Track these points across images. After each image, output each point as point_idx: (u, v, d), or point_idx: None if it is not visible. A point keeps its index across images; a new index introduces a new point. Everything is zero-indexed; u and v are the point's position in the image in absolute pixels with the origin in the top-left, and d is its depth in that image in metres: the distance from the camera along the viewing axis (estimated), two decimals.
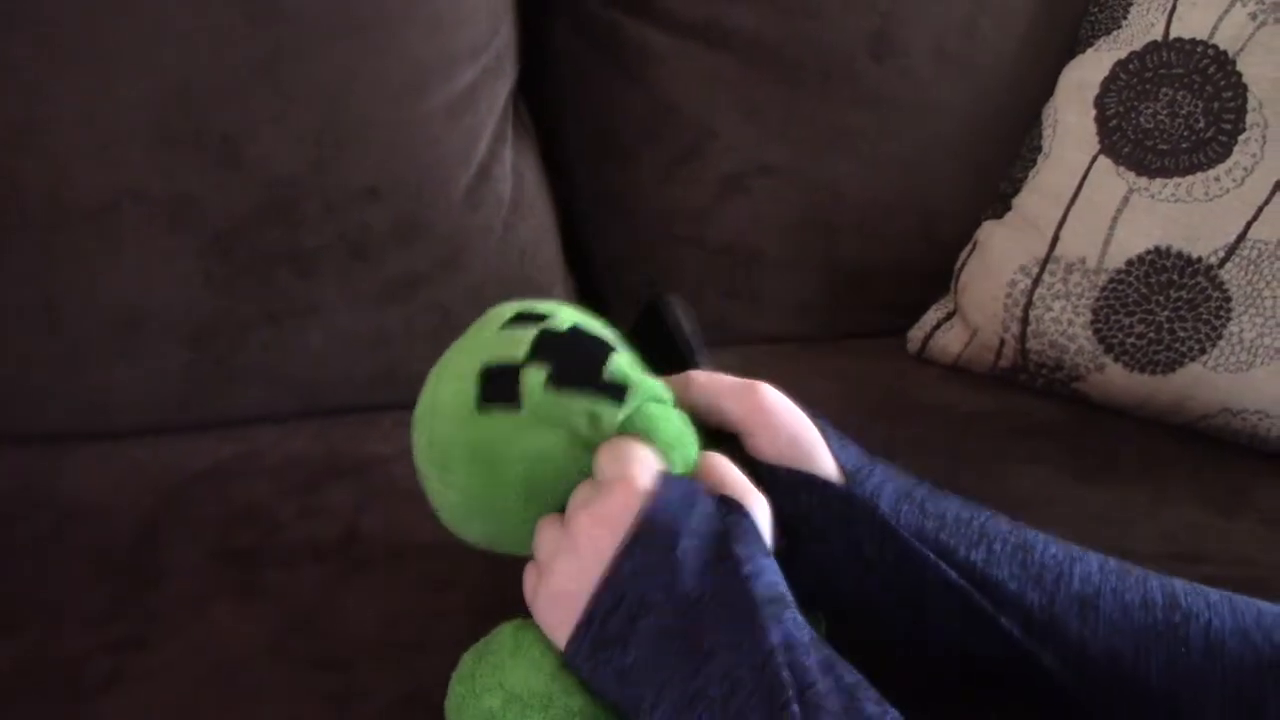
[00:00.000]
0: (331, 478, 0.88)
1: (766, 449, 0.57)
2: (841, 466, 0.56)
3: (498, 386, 0.56)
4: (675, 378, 0.59)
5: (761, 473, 0.57)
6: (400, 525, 0.82)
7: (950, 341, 1.09)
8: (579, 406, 0.55)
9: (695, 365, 0.61)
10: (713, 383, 0.57)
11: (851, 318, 1.16)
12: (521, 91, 1.09)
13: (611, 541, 0.51)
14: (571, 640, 0.52)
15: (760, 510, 0.55)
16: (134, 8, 0.85)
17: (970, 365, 1.08)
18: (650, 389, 0.57)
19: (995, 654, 0.54)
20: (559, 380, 0.55)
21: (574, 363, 0.56)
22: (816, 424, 0.58)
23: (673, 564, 0.50)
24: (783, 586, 0.51)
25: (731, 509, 0.54)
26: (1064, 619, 0.53)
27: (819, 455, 0.56)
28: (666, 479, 0.53)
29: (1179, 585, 0.54)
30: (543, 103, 1.14)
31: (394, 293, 0.96)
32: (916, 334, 1.13)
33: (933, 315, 1.13)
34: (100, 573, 0.77)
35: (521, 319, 0.59)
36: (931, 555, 0.54)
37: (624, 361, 0.58)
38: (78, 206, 0.87)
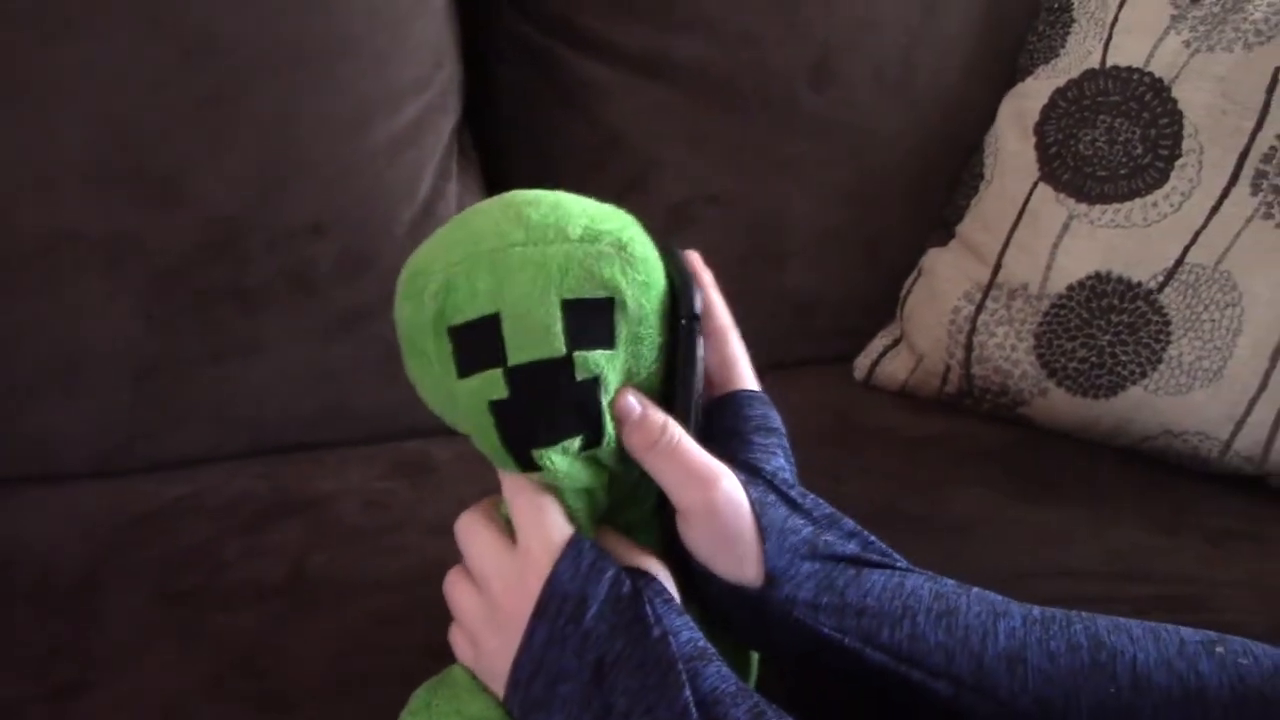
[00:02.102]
0: (277, 516, 0.87)
1: (697, 541, 0.56)
2: (768, 568, 0.55)
3: (475, 355, 0.52)
4: (644, 427, 0.55)
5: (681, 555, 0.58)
6: (347, 563, 0.81)
7: (896, 368, 1.10)
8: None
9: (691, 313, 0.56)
10: (676, 457, 0.55)
11: (798, 345, 1.17)
12: (467, 125, 1.09)
13: (524, 609, 0.53)
14: (505, 703, 0.54)
15: (664, 575, 0.56)
16: (70, 47, 0.85)
17: (916, 391, 1.09)
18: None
19: (925, 709, 0.55)
20: (505, 418, 0.53)
21: (533, 402, 0.53)
22: (766, 508, 0.57)
23: (582, 632, 0.51)
24: (703, 642, 0.52)
25: (639, 574, 0.55)
26: (994, 677, 0.53)
27: (746, 558, 0.56)
28: (575, 545, 0.53)
29: (1102, 624, 0.55)
30: (488, 136, 1.14)
31: (339, 328, 0.96)
32: (863, 361, 1.14)
33: (879, 342, 1.14)
34: (39, 617, 0.76)
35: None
36: (848, 642, 0.55)
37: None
38: (15, 247, 0.87)
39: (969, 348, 1.03)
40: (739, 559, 0.56)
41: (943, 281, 1.07)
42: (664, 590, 0.54)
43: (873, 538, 0.59)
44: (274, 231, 0.92)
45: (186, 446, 0.95)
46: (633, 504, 0.60)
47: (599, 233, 0.52)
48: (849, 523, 0.59)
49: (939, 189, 1.17)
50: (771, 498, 0.57)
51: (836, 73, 1.11)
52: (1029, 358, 0.99)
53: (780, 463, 0.61)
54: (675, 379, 0.56)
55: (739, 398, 0.63)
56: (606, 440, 0.54)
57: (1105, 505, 0.90)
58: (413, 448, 0.98)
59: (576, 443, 0.53)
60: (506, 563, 0.55)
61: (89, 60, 0.85)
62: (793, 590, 0.55)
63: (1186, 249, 0.94)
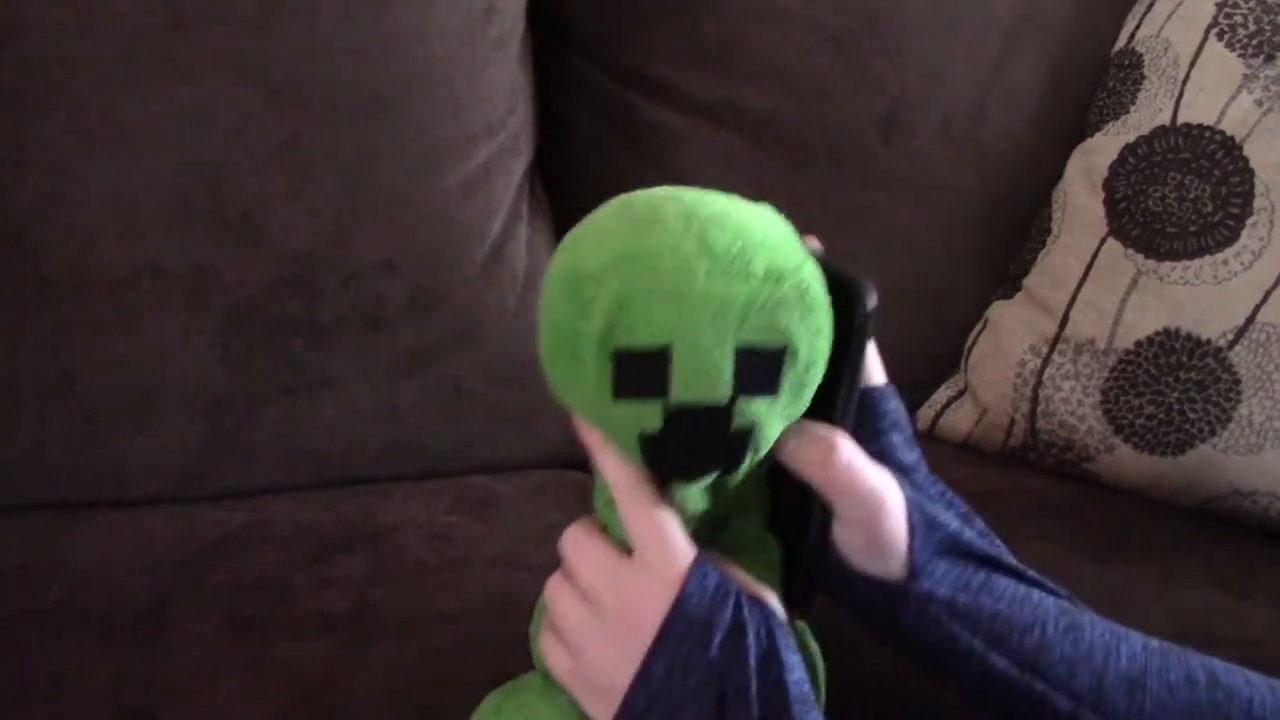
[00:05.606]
0: (342, 549, 0.88)
1: (852, 544, 0.56)
2: (912, 562, 0.56)
3: (636, 382, 0.50)
4: (816, 447, 0.54)
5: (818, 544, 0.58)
6: (410, 596, 0.82)
7: (960, 420, 1.10)
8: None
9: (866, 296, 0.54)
10: (851, 476, 0.54)
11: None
12: (538, 168, 1.11)
13: (645, 629, 0.51)
14: None
15: (776, 603, 0.55)
16: (158, 89, 0.87)
17: (980, 444, 1.09)
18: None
19: None
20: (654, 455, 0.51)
21: (688, 447, 0.51)
22: (917, 506, 0.57)
23: (708, 660, 0.49)
24: (808, 686, 0.51)
25: (757, 603, 0.53)
26: (1113, 698, 0.54)
27: (895, 558, 0.56)
28: (700, 567, 0.52)
29: (1218, 664, 0.56)
30: (558, 178, 1.16)
31: (408, 366, 0.97)
32: (926, 412, 1.13)
33: (943, 394, 1.13)
34: (109, 644, 0.77)
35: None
36: (976, 645, 0.55)
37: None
38: (99, 280, 0.89)
39: (1034, 401, 1.02)
40: (888, 559, 0.56)
41: (1008, 335, 1.07)
42: (783, 623, 0.53)
43: (999, 542, 0.61)
44: (347, 269, 0.94)
45: (255, 477, 0.96)
46: (736, 520, 0.58)
47: (782, 272, 0.49)
48: (979, 522, 0.61)
49: (1005, 242, 1.17)
50: (921, 497, 0.58)
51: (905, 126, 1.12)
52: (1095, 413, 0.99)
53: (918, 455, 0.61)
54: (842, 376, 0.54)
55: (874, 394, 0.63)
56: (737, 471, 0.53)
57: (1172, 565, 0.89)
58: (476, 483, 0.99)
59: (712, 478, 0.53)
60: (626, 577, 0.52)
61: (175, 102, 0.88)
62: (932, 586, 0.56)
63: (1257, 307, 0.93)
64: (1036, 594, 0.58)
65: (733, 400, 0.49)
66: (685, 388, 0.49)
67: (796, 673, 0.50)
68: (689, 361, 0.48)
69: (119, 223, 0.88)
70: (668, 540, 0.52)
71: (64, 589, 0.83)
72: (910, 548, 0.56)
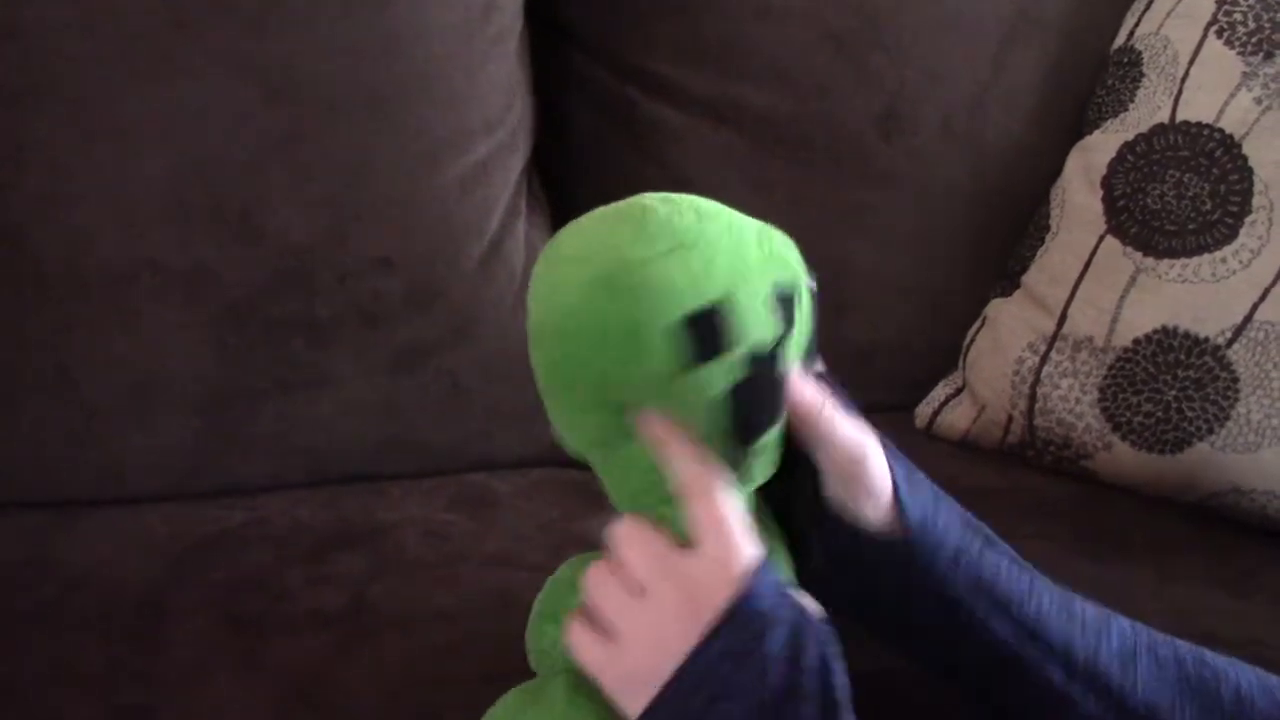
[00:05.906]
0: (339, 546, 0.88)
1: (840, 492, 0.57)
2: (907, 518, 0.56)
3: (711, 341, 0.51)
4: (808, 399, 0.56)
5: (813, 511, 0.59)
6: (408, 594, 0.82)
7: (958, 418, 1.10)
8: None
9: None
10: (836, 426, 0.56)
11: (859, 393, 1.16)
12: (536, 165, 1.11)
13: (704, 614, 0.50)
14: (645, 714, 0.51)
15: (818, 611, 0.55)
16: (157, 87, 0.87)
17: (978, 441, 1.08)
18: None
19: (1034, 698, 0.56)
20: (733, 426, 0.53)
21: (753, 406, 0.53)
22: (892, 457, 0.58)
23: (763, 656, 0.49)
24: (848, 690, 0.50)
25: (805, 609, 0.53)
26: (1106, 670, 0.55)
27: (882, 494, 0.57)
28: (766, 564, 0.52)
29: (1205, 651, 0.57)
30: (557, 175, 1.16)
31: (405, 362, 0.97)
32: (924, 409, 1.13)
33: (941, 391, 1.13)
34: (107, 640, 0.77)
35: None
36: (979, 609, 0.56)
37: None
38: (96, 276, 0.89)
39: (1032, 399, 1.02)
40: (878, 499, 0.57)
41: (1007, 332, 1.07)
42: (831, 631, 0.52)
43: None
44: (345, 266, 0.94)
45: (252, 474, 0.96)
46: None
47: (765, 226, 0.55)
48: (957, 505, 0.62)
49: (1003, 239, 1.16)
50: (897, 451, 0.59)
51: (904, 123, 1.12)
52: (1093, 411, 0.99)
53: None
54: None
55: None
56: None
57: (1170, 563, 0.89)
58: (474, 480, 0.99)
59: (773, 433, 0.55)
60: (687, 567, 0.52)
61: (174, 100, 0.88)
62: (939, 536, 0.57)
63: (1256, 306, 0.93)
64: (1028, 571, 0.59)
65: (782, 337, 0.52)
66: (748, 335, 0.51)
67: (842, 678, 0.50)
68: (748, 308, 0.51)
69: (118, 221, 0.88)
70: (735, 533, 0.52)
71: (61, 586, 0.83)
72: (894, 483, 0.57)
